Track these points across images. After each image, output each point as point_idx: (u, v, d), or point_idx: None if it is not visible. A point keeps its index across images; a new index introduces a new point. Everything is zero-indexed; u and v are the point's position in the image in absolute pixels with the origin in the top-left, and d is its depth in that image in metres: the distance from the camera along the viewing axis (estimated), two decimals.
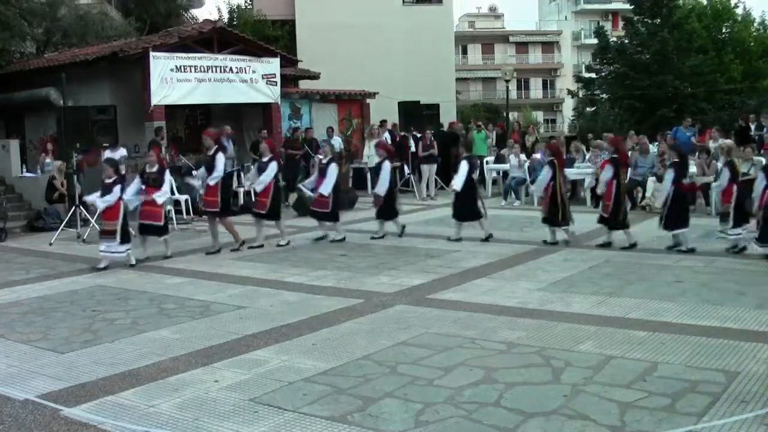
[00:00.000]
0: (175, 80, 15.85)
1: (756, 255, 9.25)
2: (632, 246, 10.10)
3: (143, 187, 10.40)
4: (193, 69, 16.16)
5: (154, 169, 10.63)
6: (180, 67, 15.93)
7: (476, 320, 6.75)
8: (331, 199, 11.51)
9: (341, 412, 4.62)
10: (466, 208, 11.13)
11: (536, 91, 58.59)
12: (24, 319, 7.35)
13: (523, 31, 59.68)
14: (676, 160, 10.03)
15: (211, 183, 10.80)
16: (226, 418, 4.61)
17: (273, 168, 11.25)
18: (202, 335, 6.51)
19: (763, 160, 13.13)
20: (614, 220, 10.14)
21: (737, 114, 19.72)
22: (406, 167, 18.37)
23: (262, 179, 11.24)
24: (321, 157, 12.00)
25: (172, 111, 16.84)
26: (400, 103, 18.96)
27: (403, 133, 18.53)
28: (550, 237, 10.65)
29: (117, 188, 9.99)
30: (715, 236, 10.28)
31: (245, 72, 17.13)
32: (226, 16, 28.42)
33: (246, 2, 30.72)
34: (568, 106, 45.77)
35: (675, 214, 9.80)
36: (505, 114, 29.97)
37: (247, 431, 4.42)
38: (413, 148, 18.31)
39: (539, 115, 53.66)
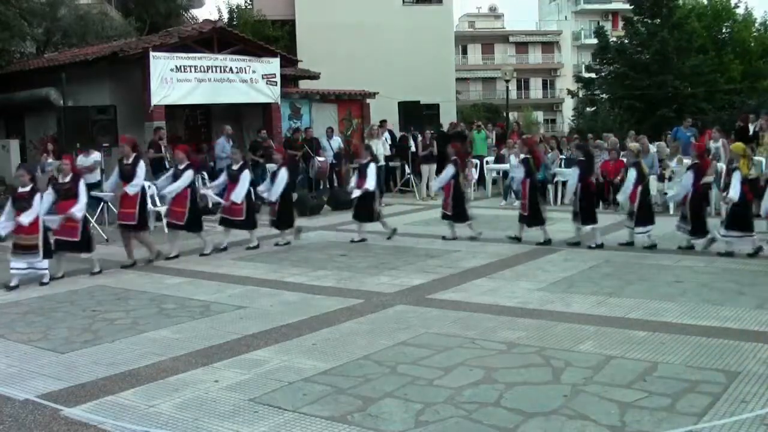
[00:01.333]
0: (175, 80, 15.85)
1: (760, 255, 9.25)
2: (547, 242, 10.61)
3: (53, 200, 9.20)
4: (193, 69, 16.16)
5: (67, 179, 9.41)
6: (180, 67, 15.92)
7: (476, 320, 6.75)
8: (245, 207, 10.90)
9: (341, 412, 4.62)
10: (458, 209, 11.38)
11: (536, 91, 58.59)
12: (24, 319, 7.35)
13: (523, 31, 59.68)
14: (582, 158, 10.67)
15: (130, 192, 9.86)
16: (226, 418, 4.61)
17: (188, 176, 10.57)
18: (202, 335, 6.52)
19: (764, 160, 13.16)
20: (532, 217, 10.63)
21: (737, 114, 19.71)
22: (406, 167, 18.41)
23: (174, 187, 10.52)
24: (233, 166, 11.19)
25: (172, 111, 16.84)
26: (400, 103, 18.96)
27: (402, 133, 18.55)
28: (518, 233, 10.94)
29: (36, 200, 8.77)
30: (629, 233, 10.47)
31: (245, 72, 17.13)
32: (226, 16, 28.42)
33: (246, 2, 30.72)
34: (568, 106, 45.78)
35: (584, 211, 10.30)
36: (505, 114, 29.96)
37: (247, 431, 4.42)
38: (413, 148, 18.34)
39: (539, 115, 53.72)
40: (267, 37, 24.10)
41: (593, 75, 32.69)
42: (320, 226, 13.41)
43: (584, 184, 10.40)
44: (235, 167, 11.13)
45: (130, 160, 10.14)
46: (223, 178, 11.49)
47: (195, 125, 19.02)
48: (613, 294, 7.61)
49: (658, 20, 29.17)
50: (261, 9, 27.66)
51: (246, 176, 11.02)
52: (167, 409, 4.78)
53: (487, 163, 18.06)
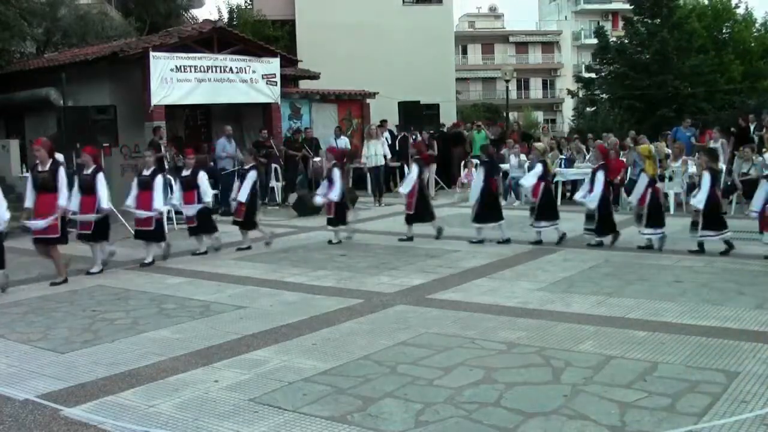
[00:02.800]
0: (175, 80, 15.85)
1: (758, 255, 9.25)
2: (408, 239, 11.20)
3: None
4: (193, 69, 16.16)
5: (148, 172, 9.97)
6: (180, 67, 15.93)
7: (476, 320, 6.75)
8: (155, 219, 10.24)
9: (341, 412, 4.62)
10: (420, 209, 11.48)
11: (536, 91, 58.61)
12: (24, 319, 7.35)
13: (523, 31, 59.70)
14: (486, 160, 11.33)
15: (61, 204, 8.83)
16: (226, 418, 4.61)
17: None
18: (202, 335, 6.52)
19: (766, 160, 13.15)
20: (416, 215, 11.24)
21: (737, 114, 19.70)
22: (406, 167, 18.41)
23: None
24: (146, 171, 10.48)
25: (172, 111, 16.83)
26: (400, 103, 18.97)
27: (402, 133, 18.56)
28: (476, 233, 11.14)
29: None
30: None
31: (245, 72, 17.13)
32: (226, 16, 28.41)
33: (246, 2, 30.72)
34: (568, 106, 45.78)
35: (485, 210, 10.87)
36: (505, 114, 29.96)
37: (247, 431, 4.42)
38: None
39: (539, 116, 53.70)
40: (267, 37, 24.10)
41: (593, 75, 32.68)
42: (320, 226, 13.40)
43: (487, 185, 10.92)
44: (147, 172, 10.35)
45: (47, 167, 8.87)
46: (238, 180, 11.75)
47: (195, 125, 19.02)
48: (613, 294, 7.61)
49: (658, 20, 29.17)
50: (261, 9, 27.66)
51: (252, 177, 11.21)
52: (167, 409, 4.78)
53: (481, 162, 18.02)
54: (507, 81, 27.33)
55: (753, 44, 33.63)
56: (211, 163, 16.63)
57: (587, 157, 16.38)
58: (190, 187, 10.87)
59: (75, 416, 4.69)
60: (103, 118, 13.28)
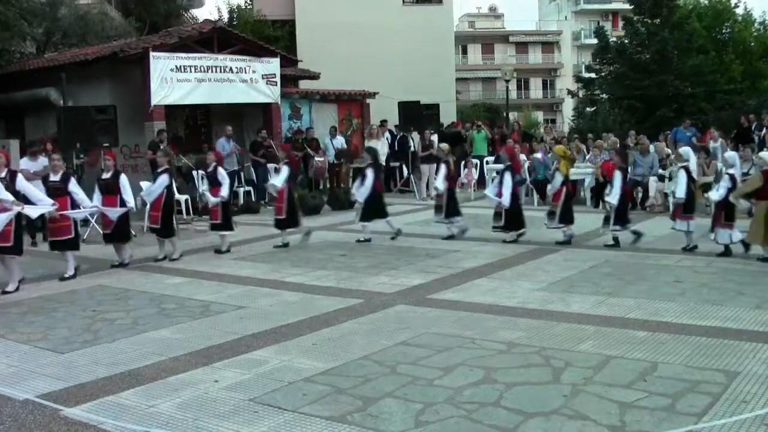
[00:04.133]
0: (175, 80, 15.84)
1: (750, 255, 9.25)
2: (284, 245, 11.08)
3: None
4: (193, 69, 16.15)
5: (58, 177, 9.36)
6: (180, 67, 15.92)
7: (476, 320, 6.75)
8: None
9: (341, 412, 4.62)
10: (372, 209, 11.53)
11: (536, 91, 58.60)
12: (24, 319, 7.35)
13: (523, 31, 59.69)
14: (371, 162, 11.77)
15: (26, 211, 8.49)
16: (226, 418, 4.61)
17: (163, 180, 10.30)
18: (202, 335, 6.52)
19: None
20: (289, 220, 11.16)
21: (737, 114, 19.70)
22: (405, 167, 18.42)
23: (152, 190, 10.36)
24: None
25: (172, 111, 16.83)
26: (400, 103, 18.96)
27: (402, 133, 18.56)
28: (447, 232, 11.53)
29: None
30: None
31: (245, 72, 17.12)
32: (225, 16, 28.38)
33: (246, 2, 30.69)
34: (568, 106, 45.76)
35: (371, 209, 11.34)
36: (505, 114, 29.95)
37: (247, 431, 4.42)
38: (413, 148, 18.35)
39: (539, 116, 53.67)
40: (267, 37, 24.07)
41: (593, 75, 32.68)
42: (320, 226, 13.40)
43: (373, 186, 11.44)
44: (159, 169, 10.61)
45: (3, 174, 8.59)
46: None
47: (195, 125, 19.01)
48: (613, 294, 7.61)
49: (658, 20, 29.16)
50: (261, 9, 27.64)
51: (162, 181, 10.43)
52: (167, 409, 4.78)
53: (487, 163, 18.05)
54: (507, 81, 27.36)
55: (753, 44, 33.61)
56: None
57: (587, 157, 16.38)
58: (110, 190, 9.94)
59: (75, 416, 4.69)
60: (103, 118, 13.27)
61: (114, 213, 9.81)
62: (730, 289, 7.65)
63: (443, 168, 11.57)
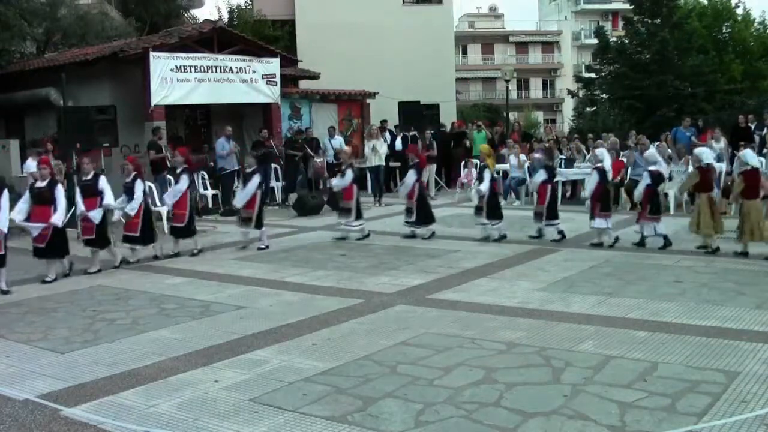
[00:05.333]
0: (175, 80, 15.84)
1: (759, 255, 9.26)
2: (166, 255, 10.55)
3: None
4: (193, 69, 16.15)
5: (44, 183, 9.28)
6: (180, 67, 15.92)
7: (476, 320, 6.75)
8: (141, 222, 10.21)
9: (341, 412, 4.62)
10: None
11: (536, 91, 58.58)
12: (24, 319, 7.35)
13: (523, 31, 59.68)
14: (417, 160, 12.18)
15: None
16: (226, 418, 4.61)
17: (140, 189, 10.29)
18: (202, 335, 6.52)
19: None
20: (187, 228, 10.81)
21: (737, 114, 19.68)
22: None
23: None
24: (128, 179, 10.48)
25: (172, 111, 16.82)
26: (400, 103, 18.95)
27: (402, 133, 18.54)
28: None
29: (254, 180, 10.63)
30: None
31: (245, 72, 17.12)
32: (225, 16, 28.35)
33: (246, 2, 30.67)
34: (568, 106, 45.72)
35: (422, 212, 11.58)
36: (505, 114, 29.93)
37: (247, 431, 4.42)
38: None
39: (539, 116, 53.64)
40: (267, 37, 24.05)
41: (593, 75, 32.64)
42: (320, 226, 13.41)
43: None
44: (129, 179, 10.46)
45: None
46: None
47: (195, 125, 19.01)
48: (613, 294, 7.61)
49: (658, 20, 29.13)
50: (261, 9, 27.61)
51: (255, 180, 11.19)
52: (167, 409, 4.78)
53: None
54: (507, 81, 27.28)
55: (753, 44, 33.60)
56: (211, 164, 16.65)
57: (587, 157, 16.38)
58: (91, 193, 9.87)
59: (75, 416, 4.69)
60: (103, 118, 13.27)
61: (95, 215, 9.74)
62: (730, 289, 7.65)
63: (349, 174, 11.66)
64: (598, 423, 4.34)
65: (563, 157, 16.55)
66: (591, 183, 10.67)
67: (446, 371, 5.34)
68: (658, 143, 16.25)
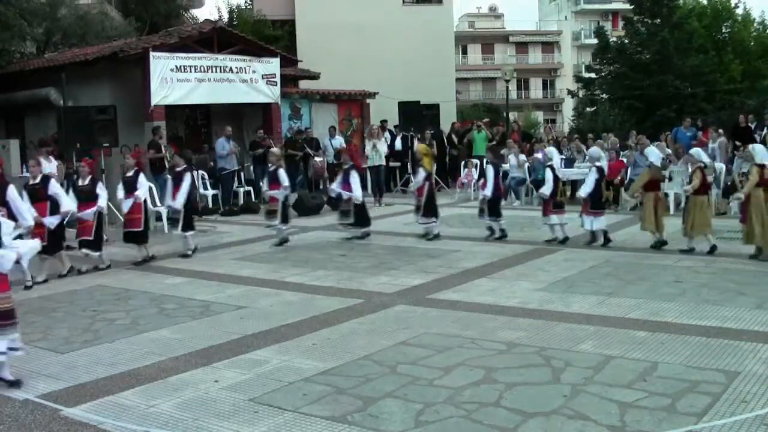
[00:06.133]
0: (175, 80, 15.84)
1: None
2: (104, 267, 9.97)
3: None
4: (193, 69, 16.15)
5: (37, 180, 9.26)
6: (180, 67, 15.92)
7: (476, 320, 6.75)
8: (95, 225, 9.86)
9: (341, 412, 4.62)
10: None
11: (536, 91, 58.57)
12: (24, 319, 7.32)
13: (523, 31, 59.67)
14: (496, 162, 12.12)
15: None
16: (226, 418, 4.61)
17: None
18: (202, 335, 6.52)
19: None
20: (144, 233, 10.36)
21: (737, 114, 19.68)
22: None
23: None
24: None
25: (172, 111, 16.82)
26: (400, 103, 18.95)
27: (402, 133, 18.56)
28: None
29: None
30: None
31: (245, 72, 17.12)
32: (225, 16, 28.35)
33: (246, 2, 30.67)
34: (568, 106, 45.72)
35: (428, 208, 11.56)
36: (505, 114, 29.93)
37: (247, 431, 4.42)
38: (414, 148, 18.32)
39: (539, 116, 53.64)
40: (267, 37, 24.04)
41: (593, 75, 32.63)
42: (320, 226, 13.41)
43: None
44: (271, 168, 11.49)
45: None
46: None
47: (195, 125, 19.01)
48: (613, 294, 7.60)
49: (658, 20, 29.13)
50: (261, 9, 27.61)
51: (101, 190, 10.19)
52: (167, 409, 4.78)
53: (488, 163, 18.03)
54: (507, 81, 27.28)
55: (752, 44, 33.60)
56: (211, 164, 16.65)
57: (587, 157, 16.37)
58: (88, 197, 9.83)
59: (75, 416, 4.69)
60: (103, 118, 13.26)
61: (87, 215, 9.71)
62: (730, 289, 7.65)
63: (282, 174, 11.50)
64: (598, 423, 4.34)
65: (563, 157, 16.53)
66: (589, 183, 10.65)
67: (446, 371, 5.34)
68: (658, 143, 16.26)
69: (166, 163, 14.65)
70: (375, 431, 4.36)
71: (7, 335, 5.39)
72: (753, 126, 17.07)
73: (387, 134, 18.84)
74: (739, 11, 34.22)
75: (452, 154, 19.69)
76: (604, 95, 31.38)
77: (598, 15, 55.40)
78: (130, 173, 10.44)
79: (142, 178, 10.39)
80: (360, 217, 11.61)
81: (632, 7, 30.59)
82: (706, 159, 10.37)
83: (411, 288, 8.19)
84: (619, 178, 14.56)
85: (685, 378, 5.04)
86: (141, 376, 5.46)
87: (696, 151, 10.45)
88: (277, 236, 11.37)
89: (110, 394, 5.10)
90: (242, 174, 16.91)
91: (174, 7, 29.10)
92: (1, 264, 5.47)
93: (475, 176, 17.83)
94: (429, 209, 11.47)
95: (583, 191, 10.52)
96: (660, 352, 5.63)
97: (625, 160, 15.07)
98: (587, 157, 11.32)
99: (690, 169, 10.28)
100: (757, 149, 9.69)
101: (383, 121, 19.30)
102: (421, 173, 11.70)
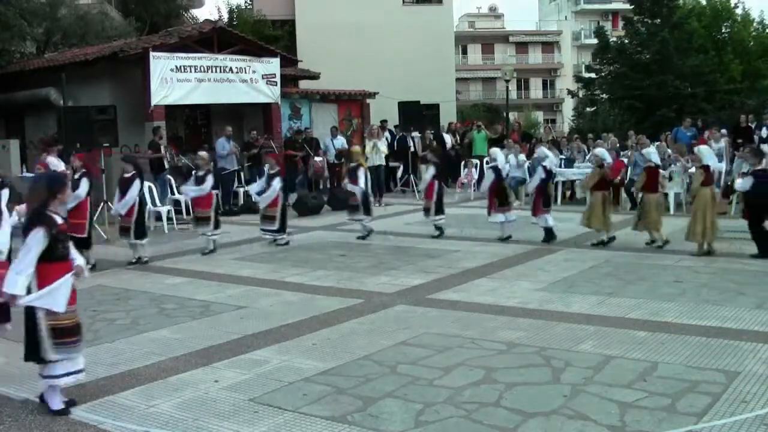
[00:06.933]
0: (175, 80, 15.83)
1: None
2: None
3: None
4: (193, 69, 16.14)
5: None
6: (180, 67, 15.91)
7: (476, 320, 6.75)
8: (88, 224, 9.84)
9: (341, 412, 4.62)
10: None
11: (536, 91, 58.57)
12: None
13: (523, 31, 59.67)
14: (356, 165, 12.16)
15: None
16: (226, 418, 4.61)
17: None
18: (202, 335, 6.51)
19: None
20: (87, 240, 9.79)
21: (737, 114, 19.70)
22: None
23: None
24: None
25: (172, 111, 16.82)
26: (400, 103, 18.95)
27: (402, 133, 18.57)
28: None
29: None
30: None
31: (245, 72, 17.11)
32: (225, 16, 28.36)
33: (246, 2, 30.68)
34: (568, 106, 45.72)
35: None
36: (505, 114, 29.93)
37: (247, 431, 4.42)
38: (413, 148, 18.34)
39: (539, 116, 53.63)
40: (267, 37, 24.04)
41: (593, 75, 32.65)
42: (320, 226, 13.41)
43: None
44: (272, 171, 11.46)
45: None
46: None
47: (195, 125, 19.00)
48: (613, 294, 7.61)
49: (658, 20, 29.15)
50: (261, 9, 27.62)
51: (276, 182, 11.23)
52: (167, 409, 4.78)
53: (487, 163, 18.03)
54: (507, 81, 27.30)
55: (752, 44, 33.61)
56: (211, 163, 16.63)
57: (587, 157, 16.37)
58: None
59: (75, 416, 4.69)
60: (103, 118, 13.26)
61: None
62: (730, 289, 7.65)
63: (210, 179, 11.40)
64: (598, 423, 4.34)
65: (563, 157, 16.55)
66: (487, 180, 11.43)
67: (446, 371, 5.34)
68: (657, 143, 16.26)
69: (166, 163, 14.64)
70: (375, 431, 4.36)
71: (70, 354, 4.84)
72: (753, 126, 17.08)
73: (387, 134, 18.86)
74: (739, 11, 34.24)
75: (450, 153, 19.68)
76: (604, 95, 31.40)
77: (598, 15, 55.40)
78: (77, 175, 9.81)
79: (85, 180, 9.74)
80: (366, 208, 11.86)
81: (632, 7, 30.61)
82: (656, 159, 10.82)
83: (411, 288, 8.19)
84: (619, 178, 14.55)
85: (685, 378, 5.04)
86: (141, 376, 5.46)
87: (598, 151, 11.14)
88: (274, 240, 11.39)
89: (110, 394, 5.10)
90: (242, 174, 16.91)
91: (174, 7, 29.09)
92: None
93: (476, 176, 17.85)
94: (439, 207, 11.71)
95: (529, 188, 11.12)
96: (660, 352, 5.63)
97: (625, 160, 15.06)
98: (535, 156, 11.85)
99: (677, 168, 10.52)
100: (702, 151, 10.09)
101: (383, 121, 19.31)
102: (430, 171, 11.82)
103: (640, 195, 10.48)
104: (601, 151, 11.09)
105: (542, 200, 10.94)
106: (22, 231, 5.00)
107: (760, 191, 9.24)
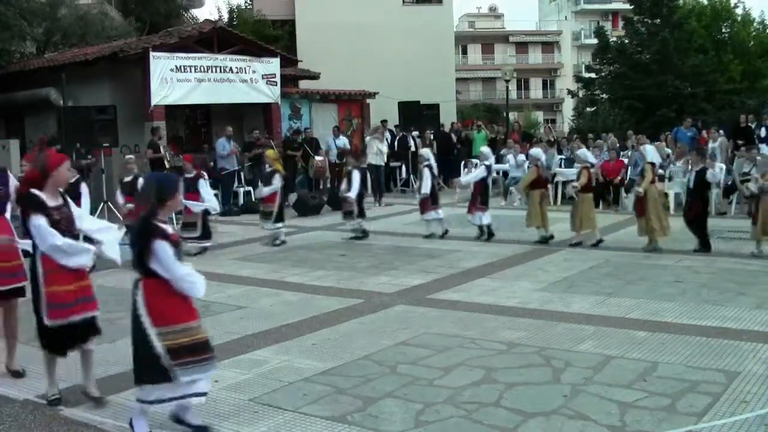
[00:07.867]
0: (175, 80, 15.85)
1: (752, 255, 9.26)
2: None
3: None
4: (193, 69, 16.16)
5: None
6: (180, 67, 15.92)
7: (476, 320, 6.75)
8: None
9: (341, 412, 4.62)
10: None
11: (536, 91, 58.57)
12: (24, 319, 7.33)
13: (523, 31, 59.68)
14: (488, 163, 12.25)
15: None
16: (226, 418, 4.61)
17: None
18: None
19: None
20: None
21: (737, 114, 19.70)
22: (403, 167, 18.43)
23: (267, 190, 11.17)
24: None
25: (172, 111, 16.83)
26: (400, 103, 18.96)
27: (402, 133, 18.57)
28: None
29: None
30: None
31: (245, 72, 17.13)
32: (225, 16, 28.37)
33: (246, 2, 30.68)
34: (568, 106, 45.71)
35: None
36: (505, 114, 29.93)
37: (247, 431, 4.42)
38: (413, 148, 18.34)
39: (539, 116, 53.64)
40: (267, 37, 24.05)
41: (593, 75, 32.65)
42: (320, 226, 13.41)
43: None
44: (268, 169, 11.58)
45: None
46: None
47: (195, 125, 19.02)
48: (613, 294, 7.61)
49: (658, 20, 29.14)
50: (261, 9, 27.63)
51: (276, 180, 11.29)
52: (167, 409, 4.77)
53: (354, 168, 17.99)
54: (507, 81, 27.29)
55: (752, 44, 33.60)
56: (211, 164, 16.64)
57: (481, 155, 16.32)
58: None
59: (75, 416, 4.70)
60: (103, 118, 13.28)
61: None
62: (730, 289, 7.65)
63: (480, 168, 11.96)
64: (598, 423, 4.34)
65: (563, 157, 16.54)
66: (426, 179, 11.67)
67: (446, 371, 5.34)
68: (658, 143, 16.27)
69: (166, 163, 14.64)
70: (375, 431, 4.36)
71: (195, 374, 4.42)
72: (753, 126, 17.07)
73: (387, 134, 18.86)
74: (739, 11, 34.24)
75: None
76: (604, 95, 31.40)
77: (598, 15, 55.39)
78: (129, 178, 10.43)
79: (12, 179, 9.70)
80: (360, 210, 11.90)
81: (632, 7, 30.60)
82: (592, 159, 11.16)
83: (411, 288, 8.19)
84: (619, 178, 14.56)
85: (685, 378, 5.04)
86: None
87: (582, 152, 11.30)
88: (270, 237, 11.38)
89: (110, 394, 5.09)
90: (242, 174, 16.92)
91: (174, 7, 29.10)
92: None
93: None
94: (280, 213, 11.47)
95: (465, 179, 11.64)
96: (660, 352, 5.63)
97: (625, 160, 15.07)
98: (481, 156, 12.39)
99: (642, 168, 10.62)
100: (647, 149, 10.53)
101: (383, 121, 19.32)
102: (278, 178, 11.36)
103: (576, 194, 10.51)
104: (583, 152, 11.27)
105: (480, 198, 11.24)
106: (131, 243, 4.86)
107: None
